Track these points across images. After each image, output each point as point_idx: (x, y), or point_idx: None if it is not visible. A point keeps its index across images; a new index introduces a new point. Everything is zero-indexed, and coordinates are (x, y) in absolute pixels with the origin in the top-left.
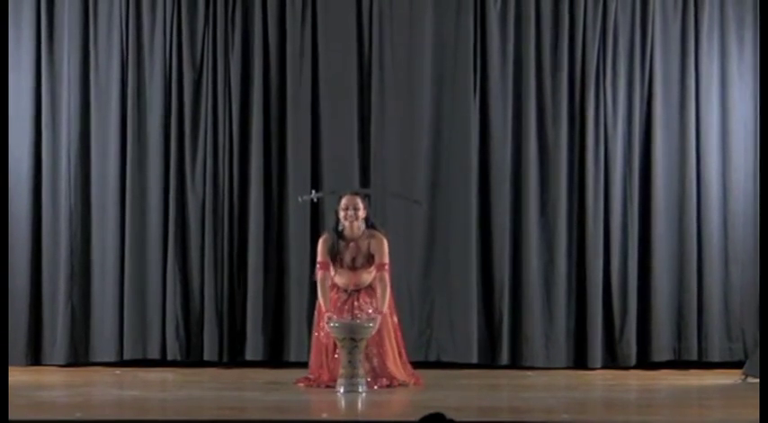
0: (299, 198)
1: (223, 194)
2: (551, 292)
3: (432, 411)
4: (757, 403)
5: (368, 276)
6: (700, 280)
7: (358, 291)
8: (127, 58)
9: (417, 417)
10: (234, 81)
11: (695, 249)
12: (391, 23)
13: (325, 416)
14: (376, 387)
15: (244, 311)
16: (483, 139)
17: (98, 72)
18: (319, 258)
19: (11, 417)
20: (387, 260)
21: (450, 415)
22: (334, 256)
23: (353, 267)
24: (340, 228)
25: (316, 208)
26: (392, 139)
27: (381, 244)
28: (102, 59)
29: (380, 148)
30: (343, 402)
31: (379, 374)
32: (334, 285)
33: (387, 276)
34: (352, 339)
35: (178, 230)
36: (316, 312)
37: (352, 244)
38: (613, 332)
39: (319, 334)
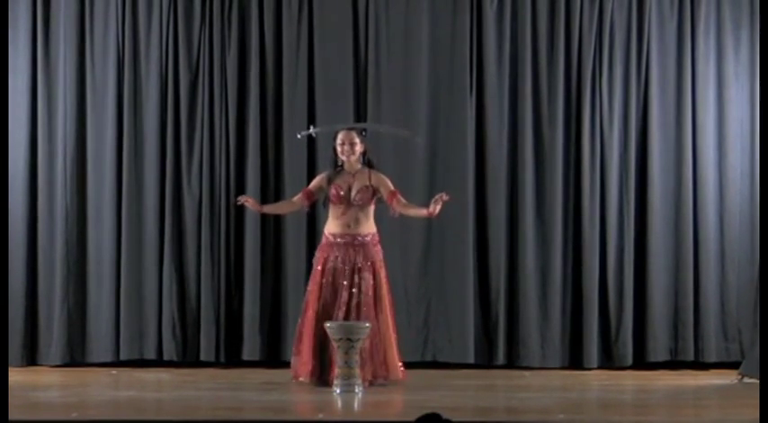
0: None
1: (220, 194)
2: (547, 292)
3: (428, 411)
4: (754, 403)
5: (365, 220)
6: (696, 280)
7: (353, 246)
8: (123, 57)
9: (414, 417)
10: (230, 81)
11: (691, 249)
12: (387, 23)
13: (321, 416)
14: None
15: (241, 311)
16: (479, 138)
17: (94, 72)
18: (308, 186)
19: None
20: (393, 188)
21: (446, 415)
22: (329, 184)
23: (350, 202)
24: (339, 163)
25: (313, 208)
26: (388, 139)
27: (383, 177)
28: (98, 59)
29: (377, 148)
30: (339, 402)
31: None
32: (328, 245)
33: (403, 198)
34: (349, 340)
35: (175, 230)
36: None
37: (350, 176)
38: (609, 332)
39: (302, 321)
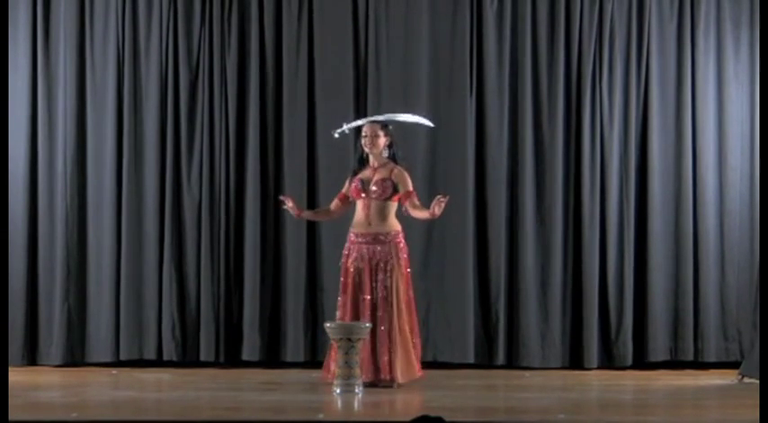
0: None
1: (219, 195)
2: (547, 292)
3: (426, 413)
4: (754, 404)
5: (386, 216)
6: (696, 280)
7: (373, 245)
8: (123, 58)
9: (413, 417)
10: (230, 81)
11: (691, 250)
12: (387, 23)
13: (321, 416)
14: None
15: (240, 312)
16: (479, 139)
17: (94, 72)
18: (342, 190)
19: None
20: (411, 188)
21: (446, 415)
22: (352, 179)
23: (368, 196)
24: (363, 156)
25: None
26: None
27: (403, 174)
28: (98, 60)
29: None
30: (339, 403)
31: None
32: (350, 243)
33: (417, 200)
34: (349, 340)
35: (174, 231)
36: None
37: (372, 170)
38: (609, 332)
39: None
